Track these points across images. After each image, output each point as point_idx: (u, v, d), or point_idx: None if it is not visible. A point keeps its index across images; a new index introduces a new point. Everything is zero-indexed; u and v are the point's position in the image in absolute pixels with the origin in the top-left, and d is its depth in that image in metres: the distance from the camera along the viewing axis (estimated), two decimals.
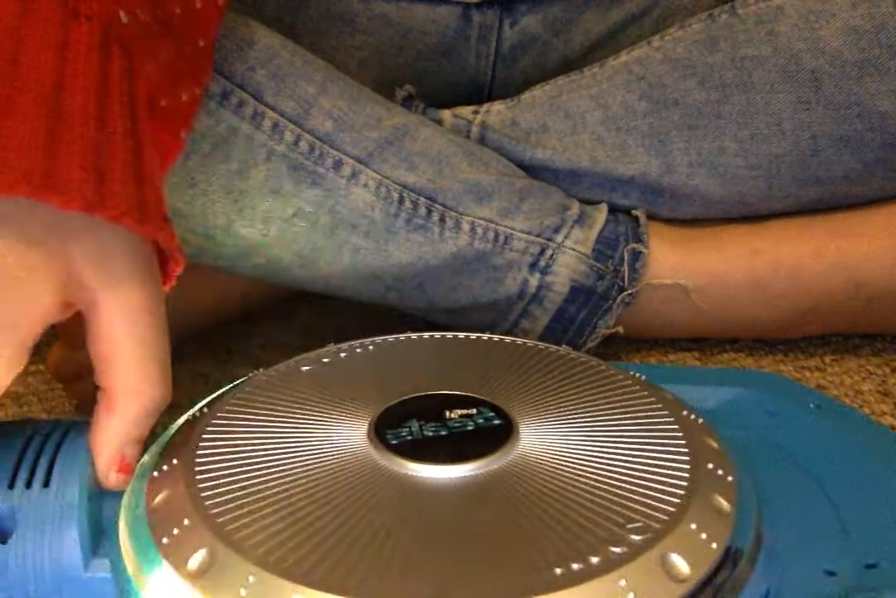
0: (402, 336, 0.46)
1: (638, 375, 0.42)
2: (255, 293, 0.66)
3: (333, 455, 0.36)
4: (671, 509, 0.32)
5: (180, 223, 0.54)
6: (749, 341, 0.64)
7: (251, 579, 0.30)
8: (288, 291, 0.67)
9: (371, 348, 0.45)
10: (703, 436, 0.37)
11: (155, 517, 0.34)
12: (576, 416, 0.38)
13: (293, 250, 0.55)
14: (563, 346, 0.45)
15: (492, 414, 0.38)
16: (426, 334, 0.46)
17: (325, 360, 0.44)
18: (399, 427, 0.37)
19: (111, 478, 0.37)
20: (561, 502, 0.33)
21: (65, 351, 0.57)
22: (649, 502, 0.32)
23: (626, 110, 0.61)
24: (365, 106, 0.56)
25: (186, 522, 0.33)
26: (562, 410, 0.38)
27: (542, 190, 0.60)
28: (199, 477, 0.35)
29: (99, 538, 0.36)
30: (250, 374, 0.43)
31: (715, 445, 0.37)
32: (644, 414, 0.38)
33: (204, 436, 0.37)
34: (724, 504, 0.33)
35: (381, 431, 0.37)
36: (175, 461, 0.36)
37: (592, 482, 0.34)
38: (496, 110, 0.63)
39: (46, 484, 0.36)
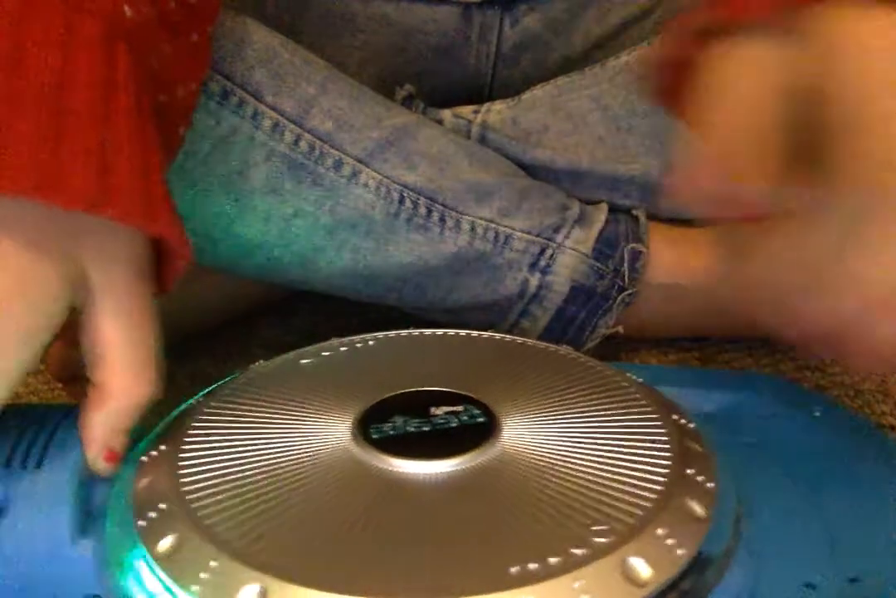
0: (403, 332, 0.46)
1: (633, 376, 0.42)
2: (255, 293, 0.66)
3: (315, 449, 0.36)
4: (640, 513, 0.32)
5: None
6: (749, 341, 0.64)
7: (213, 564, 0.30)
8: (288, 291, 0.67)
9: (371, 342, 0.45)
10: (689, 441, 0.37)
11: (137, 500, 0.35)
12: (563, 415, 0.38)
13: (293, 250, 0.55)
14: (563, 345, 0.45)
15: (477, 412, 0.38)
16: (428, 331, 0.46)
17: (324, 353, 0.44)
18: (383, 423, 0.37)
19: (99, 466, 0.38)
20: (533, 501, 0.33)
21: (65, 351, 0.57)
22: (620, 505, 0.33)
23: (626, 111, 0.61)
24: (365, 106, 0.56)
25: (163, 506, 0.34)
26: (549, 409, 0.39)
27: (542, 190, 0.60)
28: (181, 464, 0.36)
29: (87, 518, 0.37)
30: (249, 366, 0.44)
31: (700, 450, 0.37)
32: (632, 416, 0.38)
33: (194, 425, 0.38)
34: (699, 510, 0.33)
35: (365, 426, 0.37)
36: (163, 448, 0.37)
37: (568, 483, 0.34)
38: (497, 110, 0.63)
39: (39, 466, 0.37)
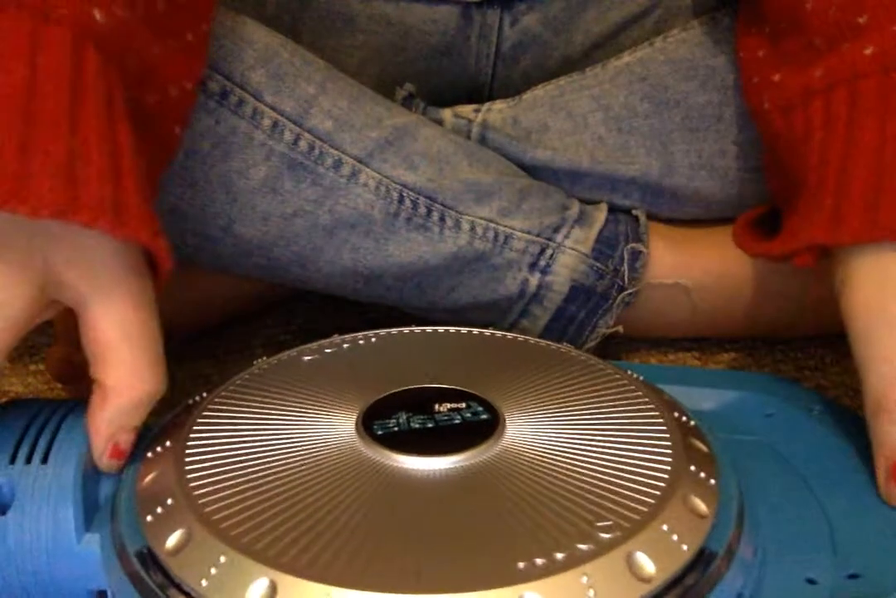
0: (405, 329, 0.46)
1: (635, 374, 0.42)
2: (255, 293, 0.66)
3: (320, 444, 0.37)
4: (644, 509, 0.32)
5: (180, 223, 0.54)
6: (749, 341, 0.64)
7: (222, 559, 0.31)
8: (288, 291, 0.67)
9: (374, 339, 0.45)
10: (690, 438, 0.37)
11: (143, 495, 0.35)
12: (565, 413, 0.38)
13: (293, 250, 0.55)
14: (564, 343, 0.45)
15: (480, 409, 0.38)
16: (430, 328, 0.46)
17: (327, 350, 0.44)
18: (387, 419, 0.38)
19: (104, 462, 0.38)
20: (537, 497, 0.33)
21: (65, 351, 0.57)
22: (624, 501, 0.33)
23: (627, 111, 0.61)
24: (365, 105, 0.56)
25: (170, 501, 0.34)
26: (552, 406, 0.39)
27: (542, 190, 0.60)
28: (187, 460, 0.36)
29: (93, 513, 0.37)
30: (254, 362, 0.44)
31: (702, 447, 0.37)
32: (634, 414, 0.39)
33: (199, 420, 0.39)
34: (702, 506, 0.33)
35: (369, 422, 0.37)
36: (168, 444, 0.37)
37: (571, 479, 0.34)
38: (497, 109, 0.63)
39: (45, 461, 0.37)
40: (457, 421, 0.37)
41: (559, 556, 0.30)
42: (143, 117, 0.41)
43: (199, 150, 0.52)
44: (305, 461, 0.36)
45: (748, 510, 0.36)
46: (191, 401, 0.41)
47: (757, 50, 0.54)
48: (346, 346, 0.45)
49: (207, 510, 0.33)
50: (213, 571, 0.30)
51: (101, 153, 0.36)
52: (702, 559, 0.32)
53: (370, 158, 0.55)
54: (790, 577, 0.35)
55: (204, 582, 0.30)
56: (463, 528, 0.32)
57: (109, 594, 0.35)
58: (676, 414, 0.39)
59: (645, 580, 0.30)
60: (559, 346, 0.44)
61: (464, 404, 0.38)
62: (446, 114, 0.63)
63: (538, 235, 0.58)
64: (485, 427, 0.37)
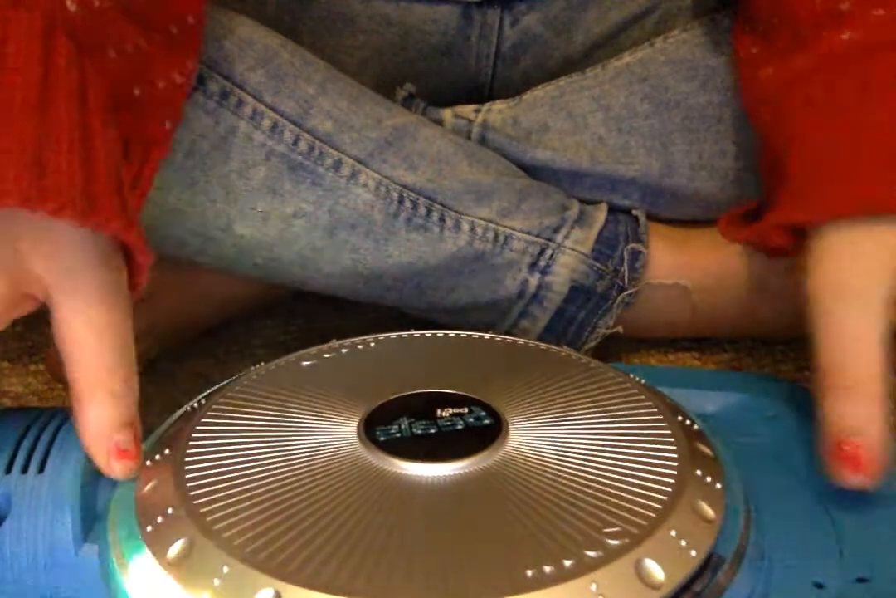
0: (404, 334, 0.46)
1: (636, 377, 0.42)
2: (254, 293, 0.66)
3: (322, 451, 0.36)
4: (652, 514, 0.32)
5: (180, 223, 0.54)
6: (749, 341, 0.64)
7: (226, 569, 0.30)
8: (288, 292, 0.67)
9: (373, 344, 0.45)
10: (695, 442, 0.37)
11: (142, 505, 0.34)
12: (568, 417, 0.38)
13: (293, 250, 0.55)
14: (564, 346, 0.45)
15: (483, 414, 0.38)
16: (429, 332, 0.46)
17: (326, 355, 0.44)
18: (389, 424, 0.37)
19: (114, 467, 0.37)
20: (543, 503, 0.33)
21: None
22: (631, 507, 0.33)
23: (627, 111, 0.61)
24: (365, 106, 0.56)
25: (170, 511, 0.33)
26: (554, 411, 0.39)
27: (541, 190, 0.60)
28: (187, 468, 0.35)
29: (91, 523, 0.36)
30: (251, 367, 0.43)
31: (707, 451, 0.37)
32: (637, 418, 0.38)
33: (197, 428, 0.38)
34: (709, 511, 0.33)
35: (371, 428, 0.37)
36: (167, 452, 0.37)
37: (577, 485, 0.34)
38: (497, 109, 0.63)
39: (42, 470, 0.37)
40: (460, 426, 0.37)
41: (567, 563, 0.30)
42: (131, 110, 0.40)
43: (199, 150, 0.52)
44: (308, 469, 0.35)
45: (754, 514, 0.35)
46: (188, 407, 0.41)
47: (751, 48, 0.54)
48: (345, 351, 0.44)
49: (209, 519, 0.32)
50: (216, 582, 0.30)
51: (71, 142, 0.35)
52: (710, 565, 0.31)
53: (370, 158, 0.55)
54: (797, 581, 0.34)
55: (207, 593, 0.30)
56: (469, 536, 0.32)
57: None
58: (680, 418, 0.38)
59: (654, 586, 0.30)
60: (561, 349, 0.44)
61: (466, 409, 0.38)
62: (446, 114, 0.63)
63: (538, 236, 0.58)
64: (488, 432, 0.36)
